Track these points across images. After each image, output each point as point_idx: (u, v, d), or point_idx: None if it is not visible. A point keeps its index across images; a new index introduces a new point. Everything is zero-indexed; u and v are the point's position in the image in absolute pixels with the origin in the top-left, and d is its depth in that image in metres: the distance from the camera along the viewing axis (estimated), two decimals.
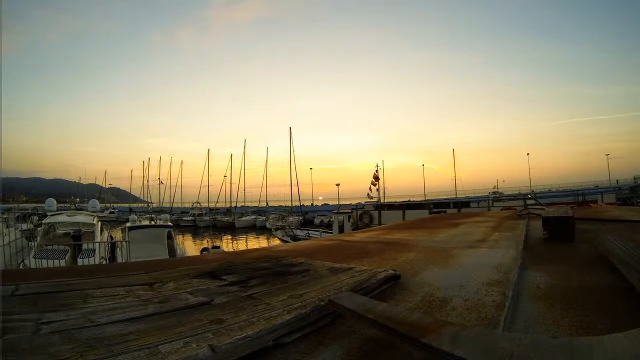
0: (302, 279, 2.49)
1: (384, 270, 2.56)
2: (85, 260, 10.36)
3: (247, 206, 58.69)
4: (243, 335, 1.38)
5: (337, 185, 52.31)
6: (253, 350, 1.32)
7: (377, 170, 36.40)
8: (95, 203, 18.05)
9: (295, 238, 23.28)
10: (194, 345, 1.29)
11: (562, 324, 1.69)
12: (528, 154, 55.56)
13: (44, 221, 13.89)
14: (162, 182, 65.51)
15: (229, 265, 3.09)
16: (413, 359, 1.35)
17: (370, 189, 36.15)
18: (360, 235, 6.07)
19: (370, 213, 30.34)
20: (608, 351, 1.03)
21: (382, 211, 30.06)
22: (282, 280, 2.46)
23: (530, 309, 1.95)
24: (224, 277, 2.56)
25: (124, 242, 12.16)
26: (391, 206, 33.06)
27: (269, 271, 2.77)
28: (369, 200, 35.02)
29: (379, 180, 36.02)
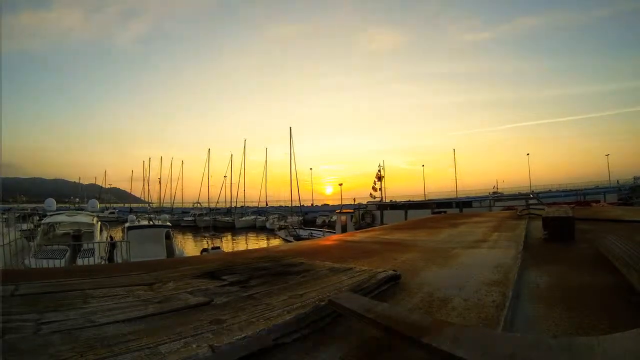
0: (302, 279, 2.49)
1: (384, 271, 2.55)
2: (85, 260, 10.36)
3: (247, 206, 58.74)
4: (243, 335, 1.38)
5: (340, 185, 52.37)
6: (253, 351, 1.32)
7: (379, 170, 36.43)
8: (94, 203, 18.05)
9: (298, 237, 23.29)
10: (194, 346, 1.29)
11: (562, 324, 1.69)
12: (528, 154, 55.61)
13: (43, 221, 13.90)
14: (160, 182, 65.60)
15: (229, 265, 3.08)
16: (413, 359, 1.35)
17: (373, 188, 36.20)
18: (360, 236, 6.07)
19: (372, 213, 30.38)
20: (608, 351, 1.02)
21: (385, 211, 30.09)
22: (282, 280, 2.46)
23: (530, 309, 1.95)
24: (224, 277, 2.56)
25: (123, 242, 12.16)
26: (393, 206, 33.10)
27: (269, 271, 2.76)
28: (371, 199, 35.07)
29: (382, 180, 36.05)
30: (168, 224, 16.70)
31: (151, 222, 16.53)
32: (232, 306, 1.85)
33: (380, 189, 35.46)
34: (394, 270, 2.58)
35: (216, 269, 2.90)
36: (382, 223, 24.39)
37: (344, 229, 21.54)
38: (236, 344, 1.31)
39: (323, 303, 1.76)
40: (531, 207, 11.13)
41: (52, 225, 14.06)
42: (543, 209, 8.47)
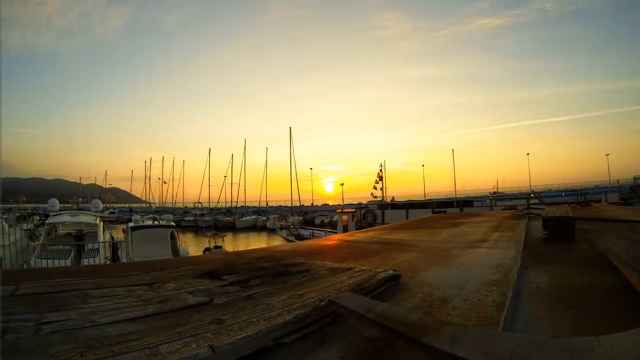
0: (302, 279, 2.49)
1: (384, 271, 2.56)
2: (90, 260, 10.36)
3: (248, 206, 58.74)
4: (243, 335, 1.38)
5: (342, 185, 52.41)
6: (253, 350, 1.33)
7: (380, 170, 36.62)
8: (97, 203, 18.04)
9: (300, 237, 23.27)
10: (194, 346, 1.29)
11: (562, 324, 1.69)
12: (528, 154, 55.35)
13: (47, 221, 13.89)
14: (165, 182, 65.62)
15: (229, 265, 3.09)
16: (413, 358, 1.35)
17: (374, 188, 36.37)
18: (360, 235, 6.07)
19: (373, 212, 30.47)
20: (608, 351, 1.02)
21: (386, 210, 30.17)
22: (282, 280, 2.46)
23: (530, 309, 1.95)
24: (224, 277, 2.56)
25: (126, 242, 12.16)
26: (394, 205, 33.20)
27: (269, 271, 2.76)
28: (372, 199, 35.22)
29: (383, 180, 36.24)
30: (172, 224, 16.64)
31: (156, 222, 16.51)
32: (232, 306, 1.85)
33: (381, 189, 35.63)
34: (394, 270, 2.58)
35: (216, 269, 2.90)
36: (383, 223, 24.44)
37: (345, 229, 21.56)
38: (236, 344, 1.31)
39: (323, 303, 1.76)
40: (532, 206, 11.14)
41: (54, 225, 14.07)
42: (543, 209, 8.47)
